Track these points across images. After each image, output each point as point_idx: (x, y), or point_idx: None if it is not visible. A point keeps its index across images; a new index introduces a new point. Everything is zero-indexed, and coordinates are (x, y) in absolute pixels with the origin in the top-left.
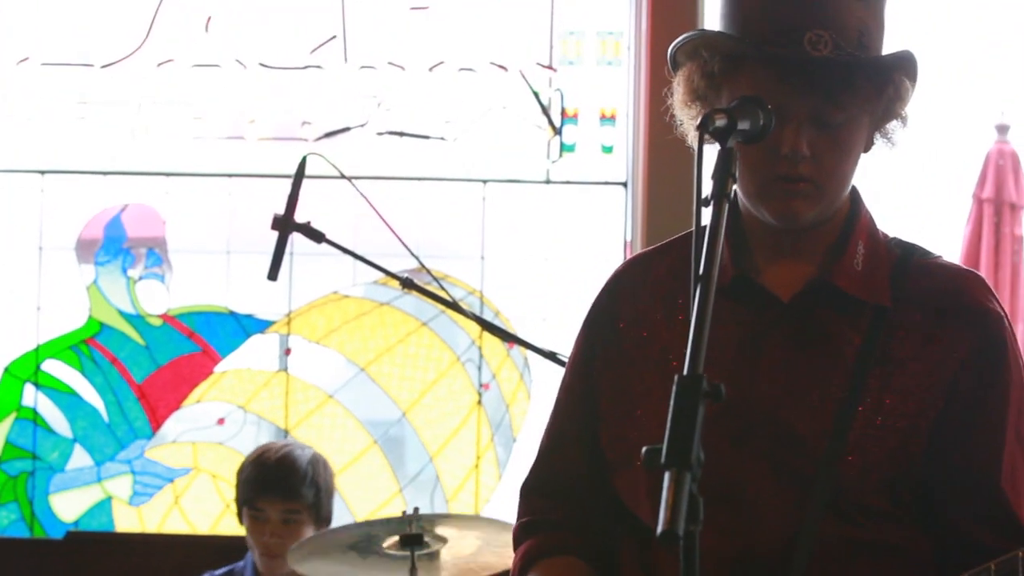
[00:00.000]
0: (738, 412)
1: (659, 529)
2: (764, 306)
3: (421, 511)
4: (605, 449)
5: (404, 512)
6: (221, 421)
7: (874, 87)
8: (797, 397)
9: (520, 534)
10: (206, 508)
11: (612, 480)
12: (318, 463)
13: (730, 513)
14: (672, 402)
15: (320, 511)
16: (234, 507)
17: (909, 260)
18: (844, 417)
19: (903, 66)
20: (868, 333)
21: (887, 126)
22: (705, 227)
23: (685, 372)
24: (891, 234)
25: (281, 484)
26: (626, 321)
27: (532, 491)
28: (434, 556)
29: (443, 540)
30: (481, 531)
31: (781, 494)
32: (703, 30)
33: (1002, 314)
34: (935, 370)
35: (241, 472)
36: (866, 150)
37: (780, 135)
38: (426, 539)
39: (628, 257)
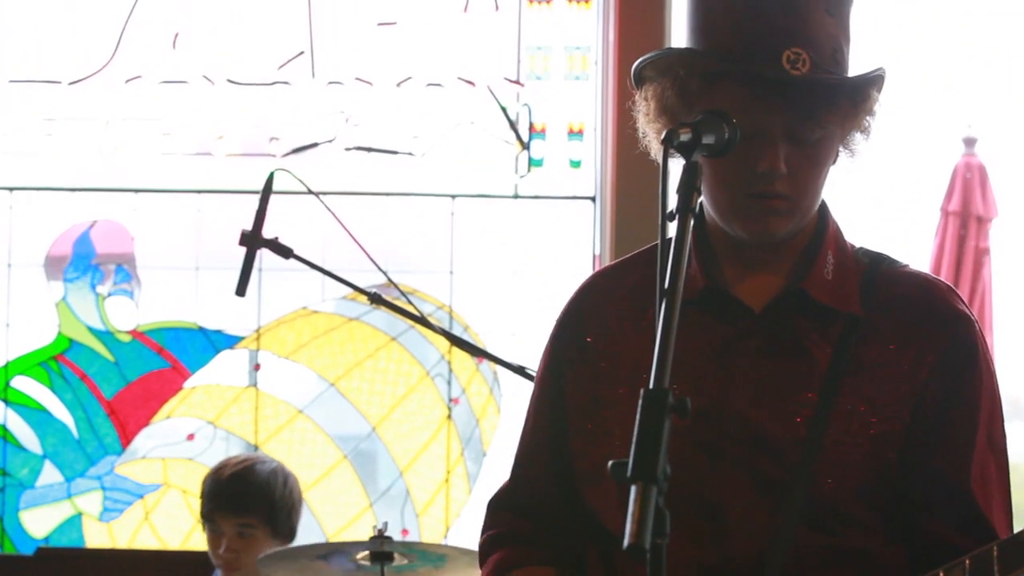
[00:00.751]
0: (712, 422)
1: (626, 542)
2: (736, 317)
3: (392, 526)
4: (576, 463)
5: (375, 528)
6: (191, 437)
7: (852, 104)
8: (770, 407)
9: (487, 546)
10: (176, 524)
11: (584, 493)
12: (277, 477)
13: (706, 523)
14: (638, 416)
15: (277, 525)
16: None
17: (877, 269)
18: (818, 426)
19: (878, 83)
20: (839, 342)
21: (852, 138)
22: (670, 240)
23: (651, 386)
24: (858, 244)
25: (233, 499)
26: (594, 335)
27: (500, 506)
28: (404, 570)
29: (413, 556)
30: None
31: (756, 503)
32: (671, 48)
33: (972, 319)
34: (907, 376)
35: (202, 486)
36: (832, 163)
37: (757, 152)
38: (396, 555)
39: (594, 271)
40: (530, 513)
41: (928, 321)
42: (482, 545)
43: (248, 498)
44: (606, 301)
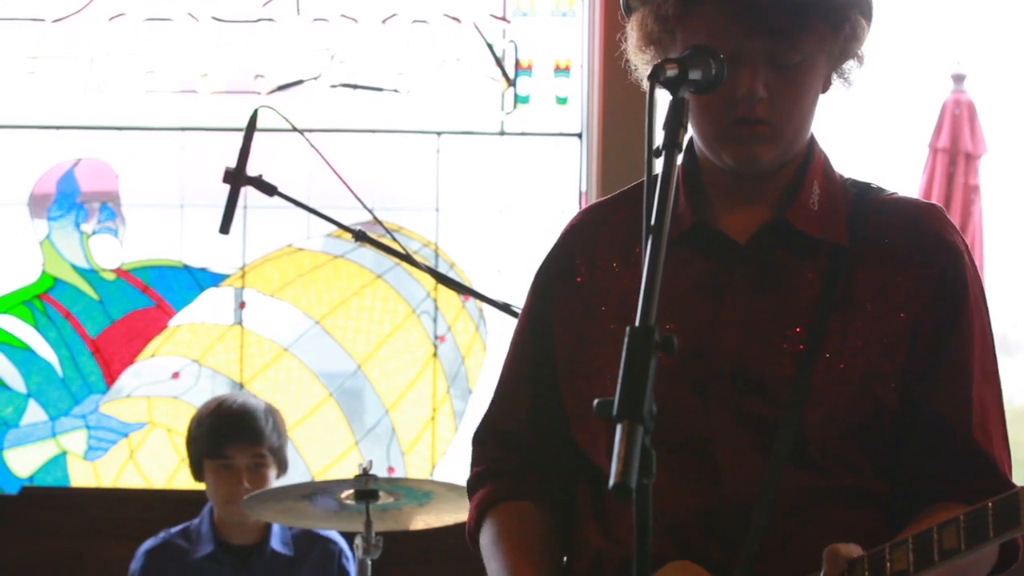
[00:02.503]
0: (700, 359)
1: (611, 482)
2: (722, 251)
3: (377, 464)
4: (564, 399)
5: (360, 466)
6: (176, 375)
7: (830, 26)
8: (758, 342)
9: (474, 482)
10: (161, 462)
11: (571, 430)
12: (273, 411)
13: (694, 462)
14: (624, 354)
15: (281, 458)
16: (188, 464)
17: (865, 198)
18: (806, 362)
19: (858, 4)
20: (828, 275)
21: (844, 66)
22: (657, 177)
23: (637, 323)
24: (846, 175)
25: (247, 430)
26: (583, 271)
27: (486, 440)
28: (389, 508)
29: (398, 494)
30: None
31: (744, 441)
32: None
33: (962, 248)
34: (897, 311)
35: (198, 426)
36: (824, 91)
37: (736, 77)
38: (381, 493)
39: (582, 208)
40: (516, 446)
41: (918, 253)
42: (469, 481)
43: (260, 428)
44: (594, 237)
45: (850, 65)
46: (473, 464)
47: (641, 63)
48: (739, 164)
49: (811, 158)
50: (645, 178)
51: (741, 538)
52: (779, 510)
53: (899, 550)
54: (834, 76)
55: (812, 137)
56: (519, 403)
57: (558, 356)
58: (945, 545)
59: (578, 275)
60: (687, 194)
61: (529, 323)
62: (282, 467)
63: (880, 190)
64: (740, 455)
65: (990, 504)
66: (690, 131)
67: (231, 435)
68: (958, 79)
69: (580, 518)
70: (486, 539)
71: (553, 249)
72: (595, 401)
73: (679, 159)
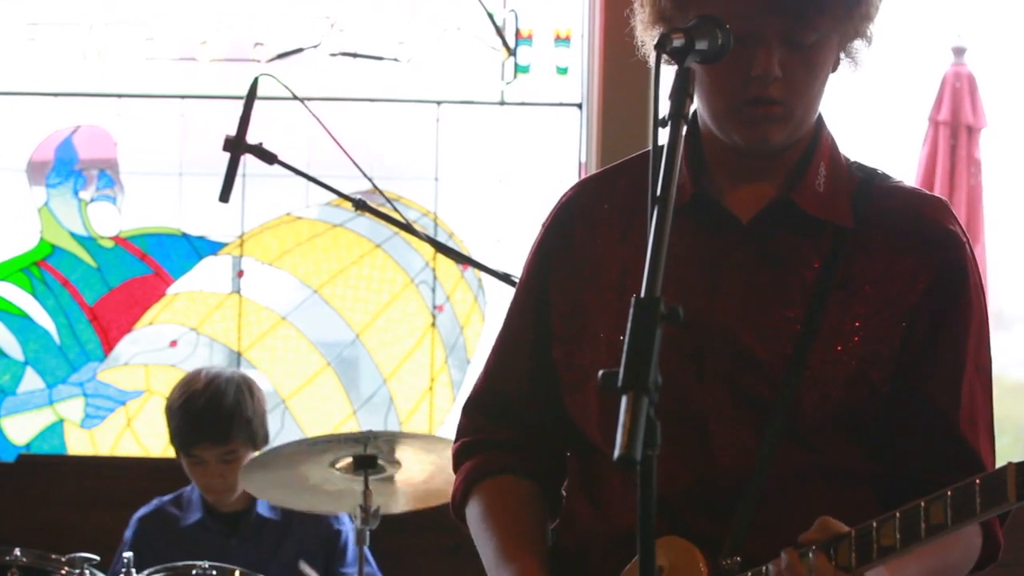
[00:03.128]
0: (696, 333)
1: (616, 453)
2: (724, 227)
3: None
4: (558, 368)
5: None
6: (174, 343)
7: (845, 6)
8: (756, 319)
9: (461, 454)
10: (158, 430)
11: (564, 400)
12: (243, 392)
13: (689, 435)
14: (629, 324)
15: (256, 440)
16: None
17: (871, 183)
18: (803, 341)
19: None
20: (828, 256)
21: (853, 45)
22: (662, 147)
23: (642, 294)
24: (852, 159)
25: (212, 430)
26: (581, 241)
27: (476, 409)
28: (388, 480)
29: (397, 464)
30: (436, 454)
31: (739, 418)
32: None
33: (964, 239)
34: (896, 297)
35: (170, 416)
36: (833, 70)
37: (751, 56)
38: (380, 462)
39: (581, 178)
40: (507, 417)
41: (920, 240)
42: (456, 452)
43: (228, 425)
44: (594, 207)
45: (859, 45)
46: (461, 434)
47: (649, 39)
48: (749, 144)
49: (819, 139)
50: (651, 148)
51: (732, 513)
52: (771, 487)
53: (886, 525)
54: (842, 55)
55: (820, 118)
56: (517, 370)
57: (554, 324)
58: (932, 520)
59: (576, 245)
60: (689, 166)
61: (527, 292)
62: (259, 445)
63: (886, 177)
64: (733, 431)
65: (977, 480)
66: (694, 103)
67: (197, 435)
68: (958, 52)
69: (570, 492)
70: (474, 514)
71: (551, 219)
72: (600, 372)
73: (684, 130)
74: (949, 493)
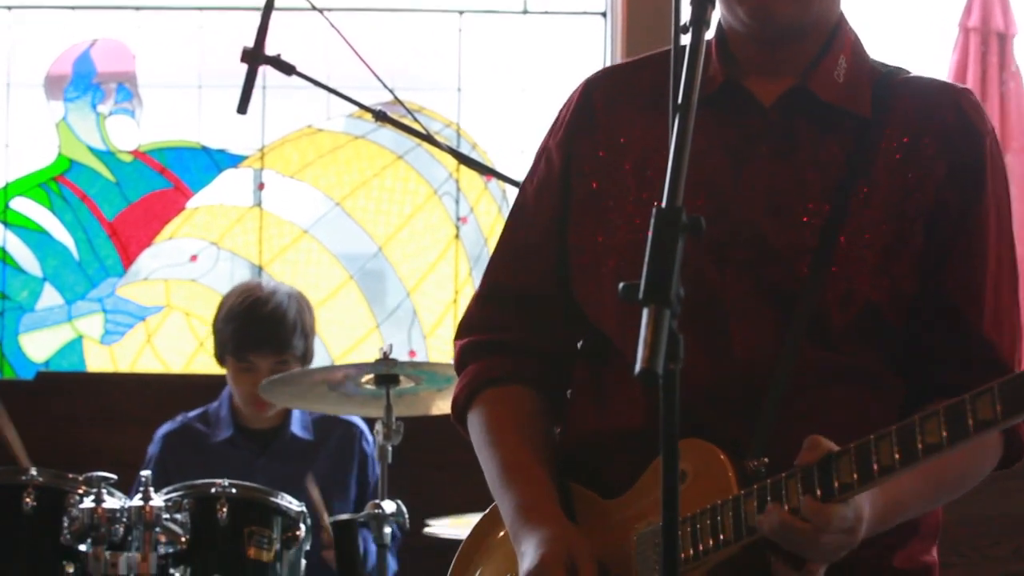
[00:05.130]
0: (719, 226)
1: (637, 367)
2: (748, 114)
3: (398, 347)
4: (572, 254)
5: (381, 350)
6: (194, 258)
7: None
8: (780, 212)
9: (467, 353)
10: (179, 346)
11: (576, 290)
12: (303, 309)
13: (709, 331)
14: (651, 235)
15: (307, 356)
16: (210, 346)
17: (894, 76)
18: (827, 234)
19: None
20: (851, 147)
21: None
22: (685, 48)
23: (664, 203)
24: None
25: (273, 339)
26: (602, 126)
27: (487, 302)
28: (410, 392)
29: (420, 378)
30: None
31: (761, 313)
32: None
33: (987, 131)
34: (918, 188)
35: (226, 320)
36: None
37: None
38: (402, 377)
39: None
40: (520, 312)
41: (943, 130)
42: (461, 351)
43: (288, 336)
44: (616, 94)
45: None
46: (468, 329)
47: None
48: (754, 20)
49: (839, 32)
50: (672, 50)
51: (754, 414)
52: (794, 386)
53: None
54: None
55: (842, 15)
56: (533, 259)
57: (572, 212)
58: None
59: (597, 129)
60: (720, 57)
61: (545, 176)
62: (306, 362)
63: (910, 72)
64: (755, 326)
65: (995, 386)
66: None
67: (256, 343)
68: None
69: (576, 395)
70: (477, 424)
71: (571, 103)
72: (620, 285)
73: (707, 35)
74: (967, 398)
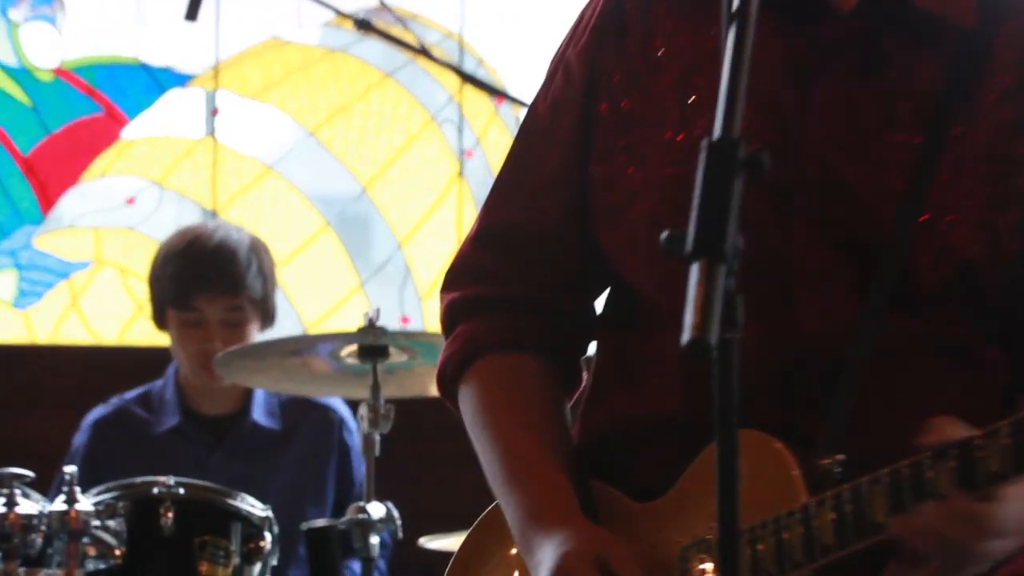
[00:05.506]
0: (782, 166)
1: (685, 337)
2: (821, 21)
3: (387, 312)
4: (596, 191)
5: (366, 315)
6: (131, 201)
7: None
8: (859, 146)
9: (457, 309)
10: (112, 311)
11: (599, 234)
12: (260, 248)
13: (767, 298)
14: (701, 173)
15: (267, 308)
16: (148, 309)
17: None
18: (919, 175)
19: None
20: (948, 66)
21: None
22: None
23: (716, 135)
24: None
25: (223, 276)
26: (635, 36)
27: (483, 246)
28: (401, 368)
29: (414, 351)
30: None
31: (833, 270)
32: None
33: None
34: None
35: (163, 265)
36: None
37: None
38: (392, 349)
39: None
40: (524, 259)
41: None
42: (450, 306)
43: (239, 273)
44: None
45: None
46: (458, 280)
47: None
48: None
49: None
50: None
51: (825, 400)
52: (875, 365)
53: None
54: None
55: None
56: (543, 195)
57: (596, 135)
58: None
59: (629, 38)
60: None
61: (564, 91)
62: (267, 319)
63: None
64: (826, 292)
65: None
66: None
67: (202, 282)
68: None
69: (598, 372)
70: (470, 402)
71: (597, 4)
72: (662, 235)
73: None
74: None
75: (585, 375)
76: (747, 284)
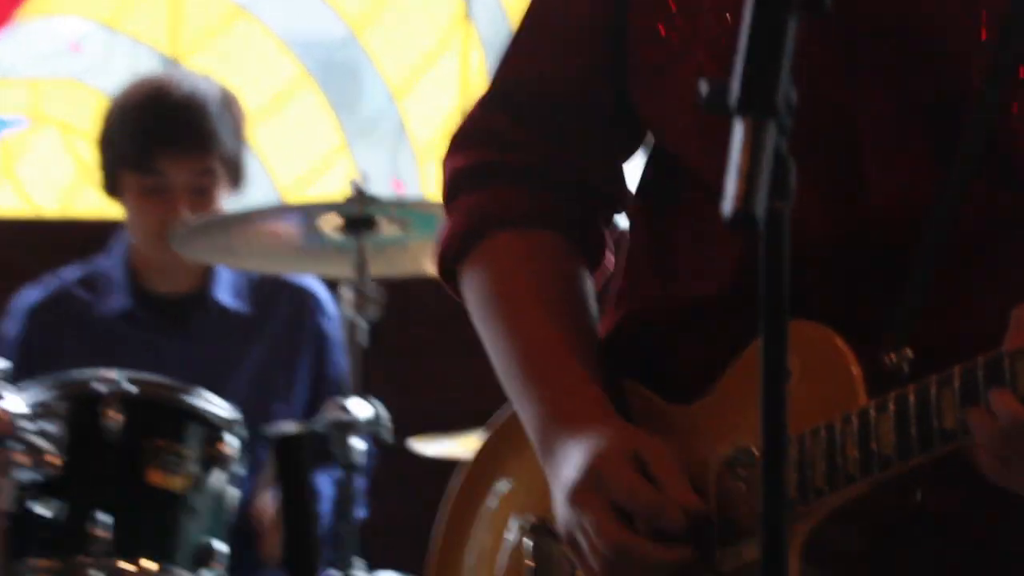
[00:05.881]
0: (846, 11)
1: (728, 208)
2: None
3: (377, 176)
4: (634, 45)
5: (352, 182)
6: (75, 47)
7: None
8: None
9: (460, 180)
10: (52, 176)
11: (635, 95)
12: (232, 102)
13: (830, 168)
14: (748, 15)
15: (238, 171)
16: (97, 174)
17: None
18: (1013, 20)
19: None
20: None
21: None
22: None
23: None
24: None
25: (190, 133)
26: None
27: (495, 105)
28: (392, 242)
29: (408, 222)
30: None
31: (909, 138)
32: None
33: None
34: None
35: (118, 121)
36: None
37: None
38: (382, 221)
39: None
40: (544, 120)
41: None
42: (454, 174)
43: (211, 128)
44: None
45: None
46: (465, 142)
47: None
48: None
49: None
50: None
51: (894, 285)
52: (957, 245)
53: None
54: None
55: None
56: (578, 42)
57: None
58: None
59: None
60: None
61: None
62: (236, 181)
63: None
64: (899, 159)
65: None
66: None
67: (167, 141)
68: None
69: (631, 254)
70: (478, 286)
71: None
72: (702, 85)
73: None
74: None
75: (609, 255)
76: (802, 146)
